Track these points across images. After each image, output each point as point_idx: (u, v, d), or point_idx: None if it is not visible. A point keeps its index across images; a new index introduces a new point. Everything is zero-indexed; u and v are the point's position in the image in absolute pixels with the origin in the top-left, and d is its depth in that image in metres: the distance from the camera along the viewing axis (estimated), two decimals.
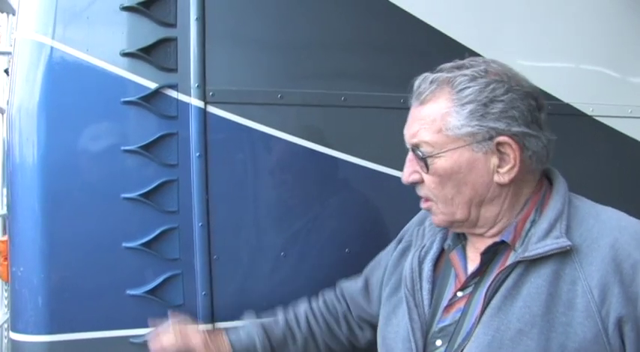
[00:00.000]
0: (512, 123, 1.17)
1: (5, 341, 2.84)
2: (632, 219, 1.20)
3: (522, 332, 1.10)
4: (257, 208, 1.90)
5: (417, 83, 1.25)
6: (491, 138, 1.17)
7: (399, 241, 1.59)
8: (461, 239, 1.35)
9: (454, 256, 1.33)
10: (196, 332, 1.67)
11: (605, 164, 2.32)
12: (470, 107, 1.17)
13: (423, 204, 1.30)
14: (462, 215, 1.23)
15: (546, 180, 1.30)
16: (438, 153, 1.19)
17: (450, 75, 1.20)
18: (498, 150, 1.18)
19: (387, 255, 1.61)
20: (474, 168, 1.19)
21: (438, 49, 2.04)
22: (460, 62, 1.25)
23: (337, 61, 2.00)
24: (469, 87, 1.18)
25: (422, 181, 1.25)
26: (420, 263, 1.35)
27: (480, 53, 2.01)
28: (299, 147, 1.91)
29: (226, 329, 1.72)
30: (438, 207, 1.25)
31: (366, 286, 1.68)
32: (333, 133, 1.96)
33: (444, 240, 1.38)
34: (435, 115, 1.20)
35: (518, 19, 2.24)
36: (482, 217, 1.24)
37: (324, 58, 1.99)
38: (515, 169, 1.19)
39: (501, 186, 1.21)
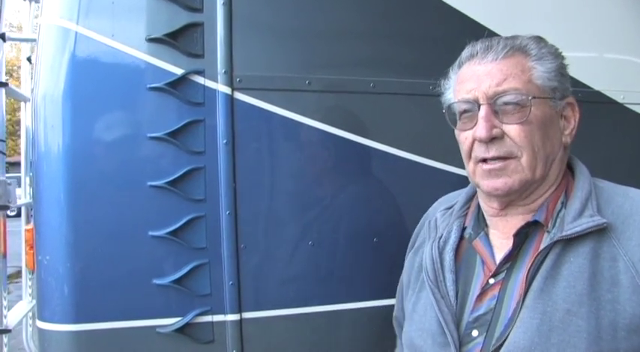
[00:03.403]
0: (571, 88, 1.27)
1: (30, 329, 2.84)
2: None
3: (571, 312, 1.08)
4: (285, 196, 1.87)
5: (483, 44, 1.25)
6: (563, 97, 1.24)
7: (411, 248, 1.55)
8: (482, 226, 1.33)
9: (478, 244, 1.30)
10: None
11: (636, 151, 2.28)
12: (553, 65, 1.23)
13: (495, 165, 1.21)
14: (541, 171, 1.20)
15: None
16: (530, 100, 1.18)
17: (517, 41, 1.24)
18: (562, 114, 1.25)
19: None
20: (553, 123, 1.23)
21: (469, 36, 1.99)
22: (509, 36, 1.27)
23: (366, 48, 1.96)
24: (546, 48, 1.24)
25: (502, 136, 1.19)
26: (441, 253, 1.32)
27: None
28: (327, 134, 1.88)
29: None
30: (520, 162, 1.19)
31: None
32: (362, 120, 1.93)
33: (461, 228, 1.35)
34: (523, 67, 1.21)
35: (548, 7, 2.20)
36: (547, 180, 1.24)
37: (352, 44, 1.95)
38: (574, 132, 1.27)
39: (564, 148, 1.26)
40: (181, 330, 1.76)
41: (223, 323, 1.80)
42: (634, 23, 2.32)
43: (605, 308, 1.07)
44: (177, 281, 1.76)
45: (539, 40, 1.25)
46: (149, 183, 1.74)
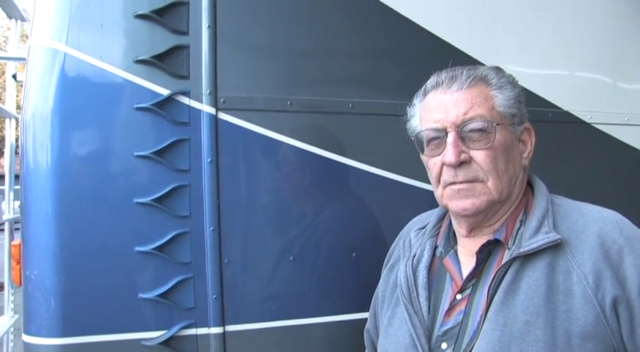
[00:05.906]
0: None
1: (11, 344, 2.84)
2: (610, 210, 1.29)
3: (529, 322, 1.15)
4: (267, 213, 1.93)
5: (447, 75, 1.32)
6: (521, 122, 1.33)
7: (386, 265, 1.63)
8: (452, 244, 1.40)
9: (448, 261, 1.38)
10: None
11: (603, 170, 2.39)
12: (513, 93, 1.32)
13: (462, 185, 1.27)
14: (506, 192, 1.29)
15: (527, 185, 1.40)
16: (494, 127, 1.26)
17: (478, 71, 1.32)
18: (520, 138, 1.34)
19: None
20: (514, 147, 1.32)
21: (444, 59, 2.08)
22: (468, 66, 1.35)
23: (345, 69, 2.05)
24: (504, 78, 1.33)
25: (469, 161, 1.26)
26: (414, 271, 1.39)
27: (483, 62, 2.06)
28: (308, 153, 1.95)
29: None
30: (487, 185, 1.26)
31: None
32: (341, 140, 2.00)
33: (434, 247, 1.43)
34: (485, 95, 1.29)
35: (519, 29, 2.30)
36: (509, 200, 1.32)
37: (332, 65, 2.03)
38: (531, 155, 1.35)
39: (523, 170, 1.34)
40: (166, 343, 1.80)
41: (207, 336, 1.85)
42: (602, 44, 2.43)
43: (561, 317, 1.15)
44: (163, 295, 1.80)
45: (497, 70, 1.35)
46: (135, 200, 1.79)
